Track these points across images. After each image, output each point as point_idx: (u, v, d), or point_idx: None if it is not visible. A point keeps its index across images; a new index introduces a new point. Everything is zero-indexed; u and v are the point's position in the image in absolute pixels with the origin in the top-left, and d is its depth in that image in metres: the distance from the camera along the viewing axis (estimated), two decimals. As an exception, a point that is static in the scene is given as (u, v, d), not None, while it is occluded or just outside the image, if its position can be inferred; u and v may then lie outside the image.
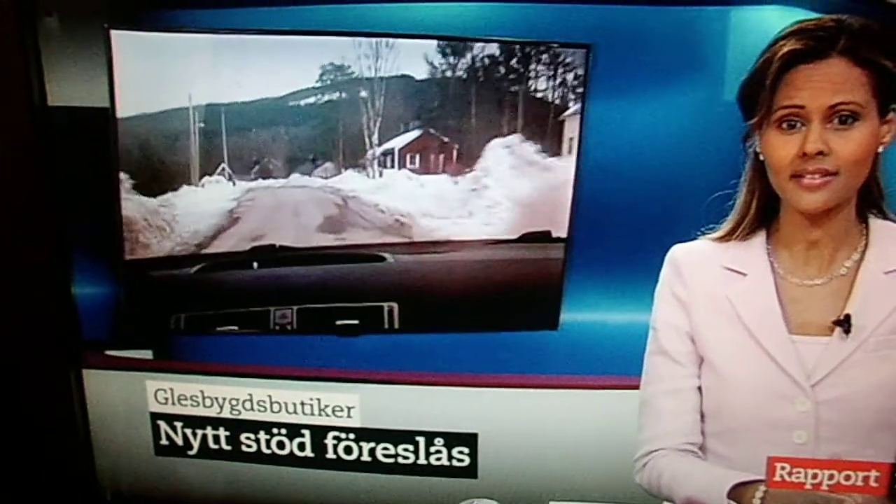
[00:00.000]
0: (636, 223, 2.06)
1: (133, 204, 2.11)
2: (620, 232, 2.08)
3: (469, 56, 2.00)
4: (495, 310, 2.22)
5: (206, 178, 2.10)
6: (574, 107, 2.03)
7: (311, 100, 2.06)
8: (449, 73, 2.02)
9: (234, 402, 2.31)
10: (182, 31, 1.99)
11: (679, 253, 1.72)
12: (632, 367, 1.80)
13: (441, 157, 2.10)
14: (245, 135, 2.07)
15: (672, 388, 1.70)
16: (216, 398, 2.31)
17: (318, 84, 2.04)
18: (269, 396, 2.29)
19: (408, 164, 2.11)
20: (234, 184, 2.11)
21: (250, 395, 2.30)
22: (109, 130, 2.04)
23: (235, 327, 2.24)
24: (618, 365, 2.12)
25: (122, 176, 2.09)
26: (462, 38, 1.99)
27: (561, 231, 2.13)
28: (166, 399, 2.33)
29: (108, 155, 2.06)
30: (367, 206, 2.14)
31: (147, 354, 2.31)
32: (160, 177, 2.10)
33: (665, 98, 1.98)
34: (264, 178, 2.11)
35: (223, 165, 2.10)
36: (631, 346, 1.82)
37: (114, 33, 1.97)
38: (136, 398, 2.34)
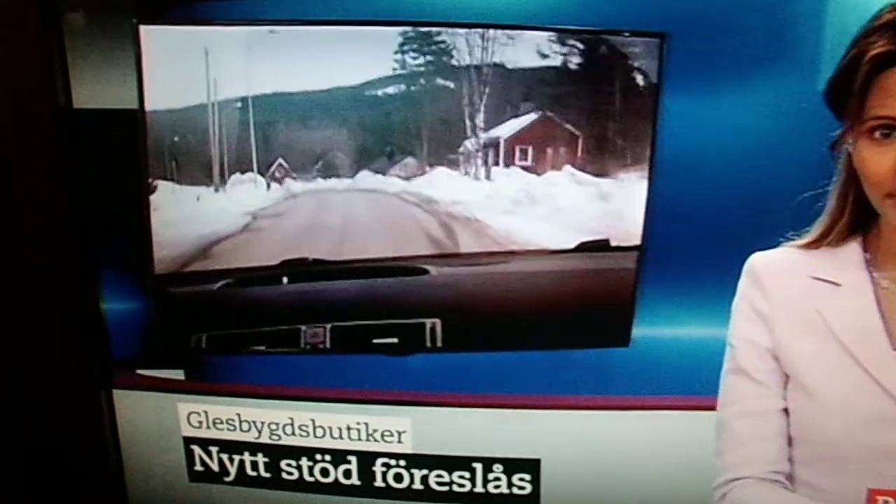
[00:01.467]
0: (716, 229, 1.99)
1: (164, 211, 2.09)
2: (698, 239, 2.01)
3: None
4: (559, 325, 2.16)
5: (248, 178, 2.06)
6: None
7: (391, 86, 2.00)
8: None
9: (273, 427, 2.28)
10: (218, 24, 1.96)
11: (758, 262, 1.60)
12: (711, 386, 1.67)
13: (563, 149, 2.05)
14: (303, 130, 2.04)
15: (752, 410, 1.57)
16: (254, 422, 2.29)
17: (400, 69, 1.98)
18: (313, 420, 2.26)
19: (517, 161, 2.06)
20: (280, 185, 2.05)
21: (291, 418, 2.27)
22: (139, 133, 2.01)
23: (262, 347, 2.21)
24: (695, 384, 2.06)
25: (153, 182, 2.06)
26: (523, 27, 1.94)
27: (622, 240, 2.08)
28: (200, 422, 2.31)
29: (138, 160, 2.04)
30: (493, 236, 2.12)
31: (179, 375, 2.30)
32: (195, 181, 2.07)
33: (748, 91, 1.91)
34: (325, 177, 2.06)
35: (279, 161, 2.04)
36: (710, 363, 1.68)
37: (143, 28, 1.94)
38: (169, 421, 2.33)
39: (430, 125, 2.04)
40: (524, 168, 2.07)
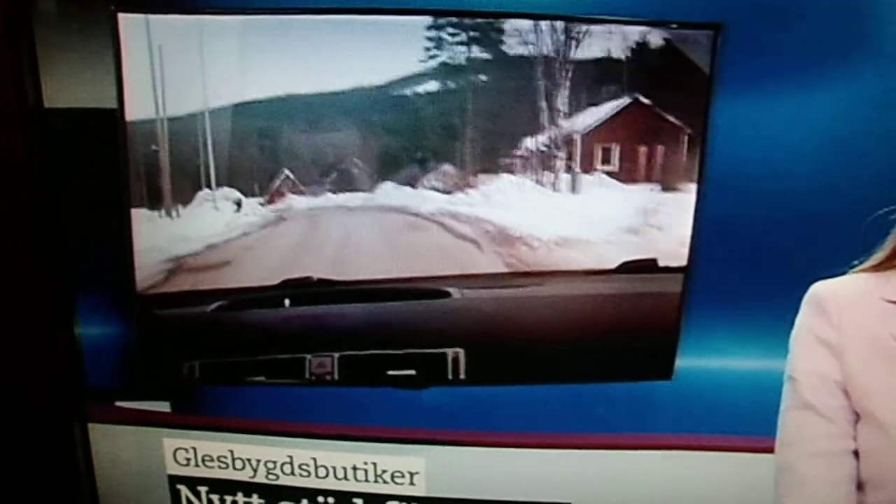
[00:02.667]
0: (772, 249, 1.97)
1: (146, 224, 2.02)
2: (751, 260, 1.99)
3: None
4: (595, 356, 2.12)
5: (245, 188, 2.01)
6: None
7: (419, 81, 1.94)
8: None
9: (270, 465, 2.26)
10: (208, 12, 1.90)
11: (822, 289, 1.58)
12: (764, 425, 1.67)
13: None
14: (314, 135, 1.99)
15: (820, 451, 1.57)
16: (248, 460, 2.26)
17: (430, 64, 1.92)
18: (314, 459, 2.23)
19: (599, 165, 2.01)
20: (283, 198, 2.00)
21: (290, 456, 2.24)
22: (118, 136, 1.95)
23: (261, 377, 2.15)
24: (746, 422, 2.05)
25: (134, 190, 2.00)
26: (563, 18, 1.90)
27: (671, 259, 2.02)
28: (188, 460, 2.28)
29: (117, 166, 1.98)
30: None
31: (165, 407, 2.25)
32: (181, 191, 2.01)
33: (814, 91, 1.87)
34: (335, 191, 2.00)
35: (285, 172, 1.99)
36: (763, 399, 1.69)
37: (122, 17, 1.88)
38: (152, 458, 2.29)
39: (451, 132, 2.00)
40: (563, 174, 2.02)
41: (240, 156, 1.99)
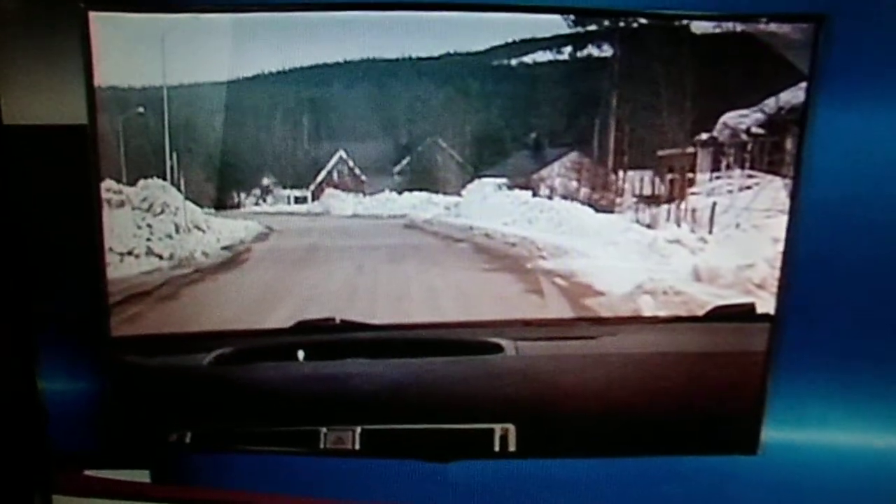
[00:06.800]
0: (882, 296, 1.84)
1: (124, 246, 1.96)
2: (857, 309, 1.86)
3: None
4: (664, 425, 2.00)
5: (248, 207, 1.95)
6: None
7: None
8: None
9: None
10: (194, 10, 1.82)
11: None
12: None
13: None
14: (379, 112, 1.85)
15: None
16: None
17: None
18: None
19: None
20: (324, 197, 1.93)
21: None
22: (89, 153, 1.90)
23: (267, 447, 2.05)
24: None
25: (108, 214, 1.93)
26: (641, 14, 1.77)
27: (768, 305, 1.87)
28: None
29: (88, 187, 1.92)
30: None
31: (143, 476, 2.17)
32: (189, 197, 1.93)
33: None
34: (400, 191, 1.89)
35: (340, 154, 1.87)
36: (875, 481, 1.73)
37: (93, 15, 1.83)
38: (128, 537, 2.08)
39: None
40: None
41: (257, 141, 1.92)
